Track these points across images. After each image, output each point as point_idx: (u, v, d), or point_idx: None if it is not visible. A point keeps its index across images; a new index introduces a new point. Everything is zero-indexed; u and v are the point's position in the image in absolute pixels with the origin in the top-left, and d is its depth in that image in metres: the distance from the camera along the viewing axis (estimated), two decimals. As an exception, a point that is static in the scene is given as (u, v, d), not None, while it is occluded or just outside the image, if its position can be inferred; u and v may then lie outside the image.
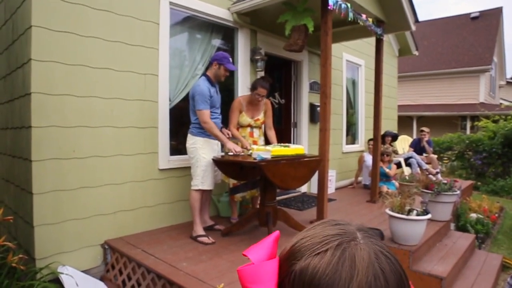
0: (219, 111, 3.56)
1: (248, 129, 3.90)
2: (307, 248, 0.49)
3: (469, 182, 7.30)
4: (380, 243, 0.50)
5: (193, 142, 3.40)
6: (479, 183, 8.75)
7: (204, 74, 3.51)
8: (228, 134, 3.57)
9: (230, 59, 3.47)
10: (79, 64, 3.01)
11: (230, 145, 3.37)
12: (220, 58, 3.41)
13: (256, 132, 3.95)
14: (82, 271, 2.99)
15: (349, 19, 4.03)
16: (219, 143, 3.60)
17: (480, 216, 5.20)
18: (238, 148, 3.40)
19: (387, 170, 5.72)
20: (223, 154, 3.67)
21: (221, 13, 4.24)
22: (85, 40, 3.04)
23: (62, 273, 2.75)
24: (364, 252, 0.46)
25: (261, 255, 0.54)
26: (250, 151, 3.39)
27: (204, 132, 3.39)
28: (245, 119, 3.84)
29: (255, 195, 3.97)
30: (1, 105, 3.83)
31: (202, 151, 3.36)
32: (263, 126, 4.07)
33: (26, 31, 2.83)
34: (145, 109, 3.52)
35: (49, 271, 2.71)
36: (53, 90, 2.87)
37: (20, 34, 3.00)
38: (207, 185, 3.37)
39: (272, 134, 4.04)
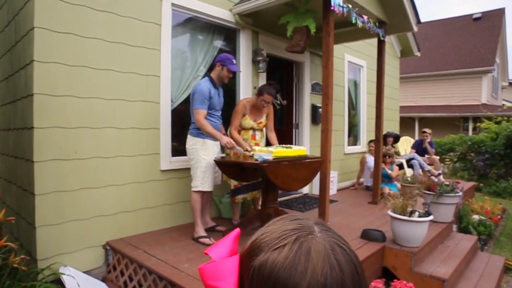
0: (219, 113, 3.55)
1: (250, 132, 3.89)
2: (266, 243, 0.50)
3: (471, 184, 7.28)
4: (336, 235, 0.52)
5: (193, 143, 3.39)
6: (481, 184, 8.72)
7: (207, 75, 3.50)
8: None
9: (234, 60, 3.47)
10: (81, 65, 3.02)
11: (225, 139, 3.33)
12: (223, 60, 3.41)
13: (258, 135, 3.94)
14: (84, 272, 2.99)
15: (349, 20, 4.03)
16: (219, 144, 3.59)
17: (483, 217, 5.19)
18: (233, 142, 3.37)
19: (389, 171, 5.71)
20: (223, 155, 3.67)
21: (223, 14, 4.25)
22: (87, 41, 3.05)
23: (63, 274, 2.75)
24: (320, 244, 0.48)
25: (222, 252, 0.55)
26: (252, 153, 3.38)
27: (204, 133, 3.38)
28: (248, 122, 3.83)
29: (256, 197, 3.97)
30: (3, 106, 3.84)
31: (202, 152, 3.35)
32: (264, 128, 4.07)
33: (29, 33, 2.84)
34: (147, 110, 3.53)
35: (50, 272, 2.71)
36: (55, 91, 2.88)
37: (23, 36, 3.01)
38: (207, 187, 3.36)
39: (273, 136, 4.04)
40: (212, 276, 0.52)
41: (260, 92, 3.76)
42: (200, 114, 3.29)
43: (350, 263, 0.48)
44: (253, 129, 3.88)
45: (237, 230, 0.60)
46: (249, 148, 3.53)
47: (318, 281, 0.45)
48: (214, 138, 3.42)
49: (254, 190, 3.87)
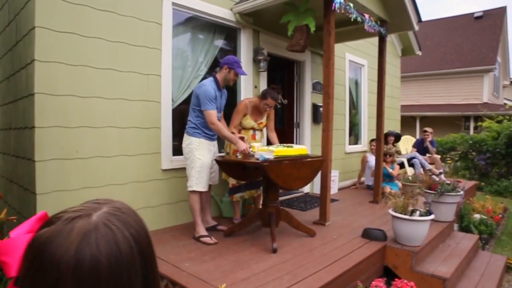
0: (219, 115, 3.54)
1: (251, 132, 3.90)
2: (48, 222, 0.54)
3: (472, 183, 7.28)
4: (115, 217, 0.54)
5: (189, 142, 3.38)
6: (482, 183, 8.70)
7: (213, 76, 3.48)
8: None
9: (241, 63, 3.45)
10: (82, 65, 3.02)
11: (241, 145, 3.33)
12: (231, 63, 3.39)
13: (258, 135, 3.95)
14: (85, 271, 2.99)
15: (353, 19, 4.02)
16: (216, 143, 3.58)
17: (484, 216, 5.18)
18: (249, 149, 3.36)
19: (390, 170, 5.70)
20: (222, 154, 3.66)
21: (224, 13, 4.24)
22: (88, 41, 3.05)
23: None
24: (85, 224, 0.51)
25: (21, 231, 0.58)
26: (251, 149, 3.38)
27: (200, 132, 3.37)
28: (249, 122, 3.83)
29: (253, 195, 3.96)
30: (5, 105, 3.85)
31: (197, 152, 3.34)
32: (264, 128, 4.07)
33: (30, 32, 2.85)
34: (148, 110, 3.53)
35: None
36: (56, 90, 2.88)
37: (24, 35, 3.02)
38: (202, 187, 3.34)
39: (274, 136, 4.04)
40: (3, 251, 0.55)
41: (263, 96, 3.77)
42: (212, 115, 3.26)
43: (112, 243, 0.50)
44: (254, 129, 3.89)
45: (43, 212, 0.62)
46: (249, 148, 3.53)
47: (71, 256, 0.48)
48: (210, 139, 3.42)
49: (253, 189, 3.87)
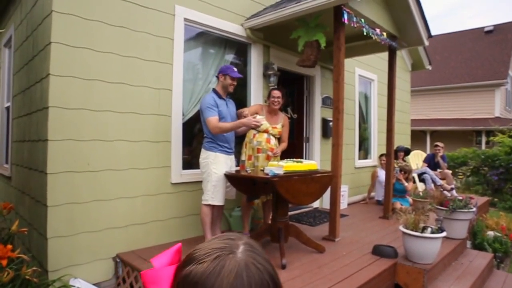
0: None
1: (265, 135, 3.87)
2: (194, 258, 0.58)
3: (485, 199, 7.14)
4: (258, 257, 0.58)
5: (205, 156, 3.42)
6: (496, 199, 8.54)
7: (212, 90, 3.57)
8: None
9: (235, 68, 3.52)
10: (95, 79, 3.08)
11: (246, 121, 3.44)
12: (224, 70, 3.50)
13: (273, 140, 3.91)
14: (94, 284, 2.99)
15: (365, 33, 4.03)
16: (233, 158, 3.59)
17: (498, 234, 5.06)
18: (254, 120, 3.47)
19: (405, 183, 5.61)
20: (237, 169, 3.67)
21: (235, 28, 4.30)
22: (101, 56, 3.11)
23: (74, 286, 2.75)
24: (235, 263, 0.54)
25: (163, 262, 0.64)
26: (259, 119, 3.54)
27: (216, 146, 3.40)
28: (264, 124, 3.84)
29: (263, 201, 3.92)
30: (19, 118, 3.92)
31: (214, 166, 3.36)
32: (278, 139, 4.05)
33: (46, 47, 2.92)
34: (158, 124, 3.56)
35: (61, 284, 2.71)
36: (69, 104, 2.93)
37: (40, 50, 3.09)
38: (218, 201, 3.36)
39: (283, 145, 4.02)
40: (152, 280, 0.61)
41: (268, 95, 3.93)
42: (212, 121, 3.33)
43: (260, 284, 0.54)
44: (268, 132, 3.87)
45: (179, 244, 0.68)
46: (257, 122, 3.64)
47: None
48: (227, 153, 3.44)
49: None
